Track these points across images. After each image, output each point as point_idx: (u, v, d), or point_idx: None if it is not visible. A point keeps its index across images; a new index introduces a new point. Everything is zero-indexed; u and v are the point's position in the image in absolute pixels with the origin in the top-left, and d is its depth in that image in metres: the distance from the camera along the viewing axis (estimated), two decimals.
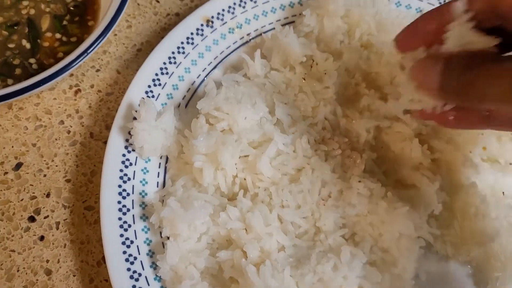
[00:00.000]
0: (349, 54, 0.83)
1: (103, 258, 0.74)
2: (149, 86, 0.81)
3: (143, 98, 0.78)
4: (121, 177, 0.74)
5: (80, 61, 0.74)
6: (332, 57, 0.81)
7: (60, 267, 0.74)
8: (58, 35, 0.86)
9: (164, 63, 0.82)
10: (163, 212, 0.69)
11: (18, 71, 0.83)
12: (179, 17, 0.95)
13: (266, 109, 0.77)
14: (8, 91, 0.71)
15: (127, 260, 0.69)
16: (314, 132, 0.77)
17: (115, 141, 0.76)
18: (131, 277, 0.68)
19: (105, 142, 0.82)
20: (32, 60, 0.84)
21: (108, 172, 0.74)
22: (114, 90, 0.87)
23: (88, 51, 0.74)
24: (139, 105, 0.78)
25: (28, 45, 0.85)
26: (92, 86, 0.87)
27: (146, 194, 0.75)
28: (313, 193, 0.72)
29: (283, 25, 0.89)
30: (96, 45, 0.76)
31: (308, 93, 0.80)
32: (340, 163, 0.75)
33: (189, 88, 0.84)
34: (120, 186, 0.74)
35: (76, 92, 0.86)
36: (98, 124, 0.84)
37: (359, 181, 0.72)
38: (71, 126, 0.84)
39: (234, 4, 0.88)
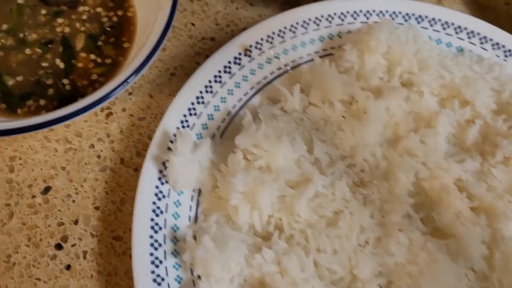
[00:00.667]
0: (390, 92, 0.81)
1: None
2: (185, 116, 0.79)
3: (179, 129, 0.76)
4: (153, 210, 0.72)
5: (122, 89, 0.72)
6: (373, 96, 0.80)
7: None
8: (92, 56, 0.84)
9: (201, 92, 0.81)
10: (197, 251, 0.67)
11: (50, 91, 0.81)
12: (214, 41, 0.93)
13: (305, 147, 0.75)
14: (43, 120, 0.69)
15: None
16: (352, 173, 0.75)
17: (149, 171, 0.74)
18: None
19: (136, 169, 0.81)
20: (65, 81, 0.82)
21: (141, 205, 0.72)
22: (146, 115, 0.85)
23: (128, 80, 0.72)
24: (174, 135, 0.76)
25: (61, 65, 0.83)
26: (124, 110, 0.85)
27: (177, 228, 0.73)
28: (351, 239, 0.70)
29: (322, 56, 0.87)
30: (138, 73, 0.73)
31: (347, 131, 0.78)
32: (378, 208, 0.73)
33: (224, 118, 0.82)
34: (152, 219, 0.72)
35: (107, 115, 0.84)
36: (129, 150, 0.82)
37: (399, 230, 0.70)
38: (102, 151, 0.82)
39: (273, 33, 0.86)
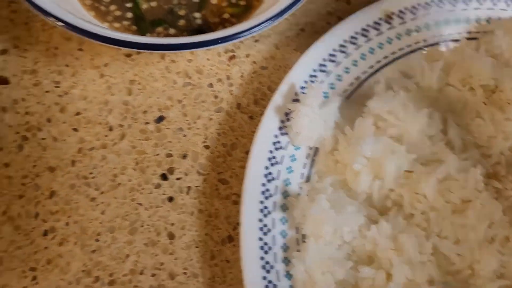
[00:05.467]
0: None
1: (228, 237, 0.70)
2: (314, 70, 0.75)
3: (311, 81, 0.72)
4: (269, 159, 0.69)
5: (255, 31, 0.69)
6: None
7: (184, 234, 0.70)
8: None
9: (334, 50, 0.76)
10: (311, 209, 0.63)
11: (181, 22, 0.79)
12: (350, 5, 0.88)
13: (441, 127, 0.70)
14: (169, 42, 0.67)
15: (261, 248, 0.64)
16: (487, 164, 0.69)
17: (271, 119, 0.71)
18: (263, 267, 0.63)
19: (251, 117, 0.78)
20: (197, 14, 0.80)
21: (258, 151, 0.69)
22: (269, 65, 0.82)
23: (264, 24, 0.69)
24: (302, 87, 0.73)
25: None
26: (247, 56, 0.82)
27: (289, 183, 0.69)
28: (478, 231, 0.64)
29: (467, 39, 0.81)
30: (276, 19, 0.70)
31: (486, 120, 0.71)
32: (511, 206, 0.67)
33: (352, 82, 0.77)
34: (267, 167, 0.68)
35: (230, 58, 0.82)
36: (247, 97, 0.79)
37: None
38: (219, 92, 0.79)
39: (419, 4, 0.81)
